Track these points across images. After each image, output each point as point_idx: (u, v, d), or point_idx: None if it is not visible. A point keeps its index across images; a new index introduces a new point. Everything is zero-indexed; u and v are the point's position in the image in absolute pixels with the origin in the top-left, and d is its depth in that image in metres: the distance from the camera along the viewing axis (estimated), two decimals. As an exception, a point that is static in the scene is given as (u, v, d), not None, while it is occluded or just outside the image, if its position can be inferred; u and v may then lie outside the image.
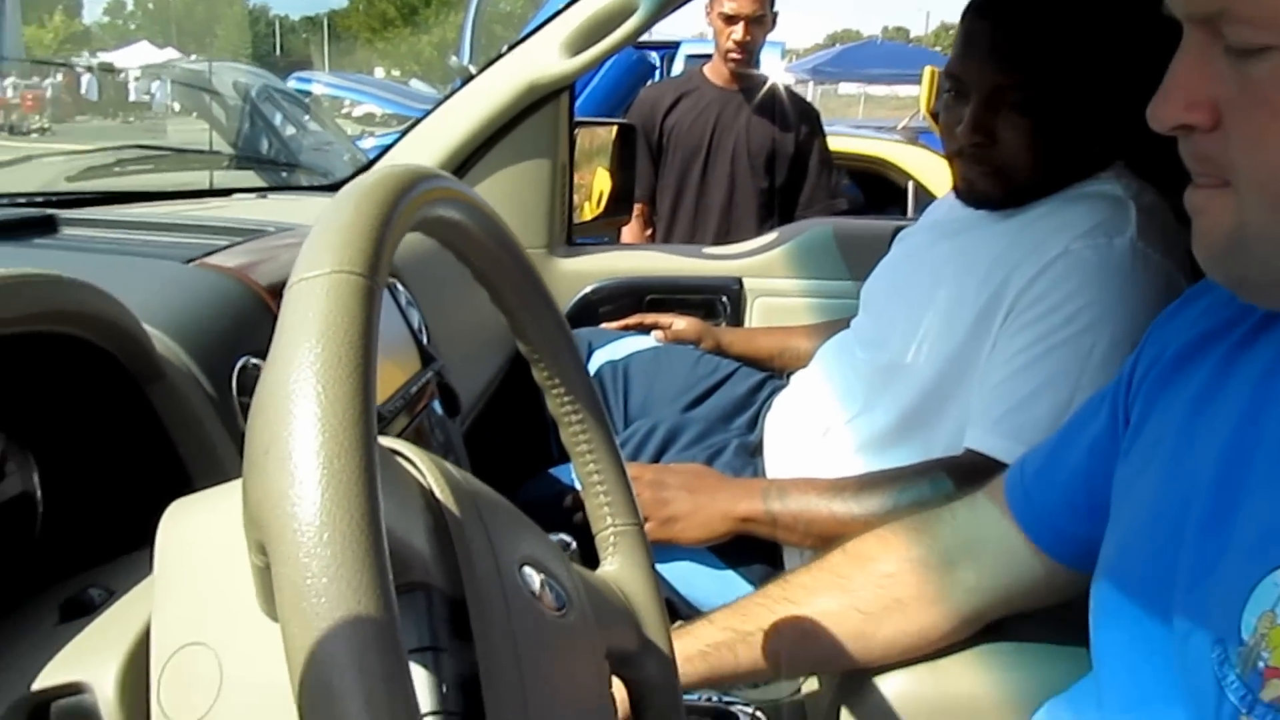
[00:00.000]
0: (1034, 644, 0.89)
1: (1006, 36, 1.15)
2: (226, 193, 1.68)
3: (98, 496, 0.70)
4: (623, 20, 1.68)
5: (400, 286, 1.15)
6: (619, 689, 0.68)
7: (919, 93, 4.88)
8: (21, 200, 1.31)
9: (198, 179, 1.69)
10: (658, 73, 6.41)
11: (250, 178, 1.83)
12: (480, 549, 0.47)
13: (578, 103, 4.93)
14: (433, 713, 0.41)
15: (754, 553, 1.26)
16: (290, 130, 4.25)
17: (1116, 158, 1.22)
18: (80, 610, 0.51)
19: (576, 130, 1.99)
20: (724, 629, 0.88)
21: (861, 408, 1.30)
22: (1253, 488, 0.58)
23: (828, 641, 0.86)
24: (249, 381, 0.78)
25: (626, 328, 1.80)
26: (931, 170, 3.70)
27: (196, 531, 0.47)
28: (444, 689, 0.41)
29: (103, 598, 0.52)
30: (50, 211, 1.12)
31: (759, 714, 1.05)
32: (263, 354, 0.44)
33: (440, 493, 0.47)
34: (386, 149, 1.89)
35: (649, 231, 2.93)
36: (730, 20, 2.70)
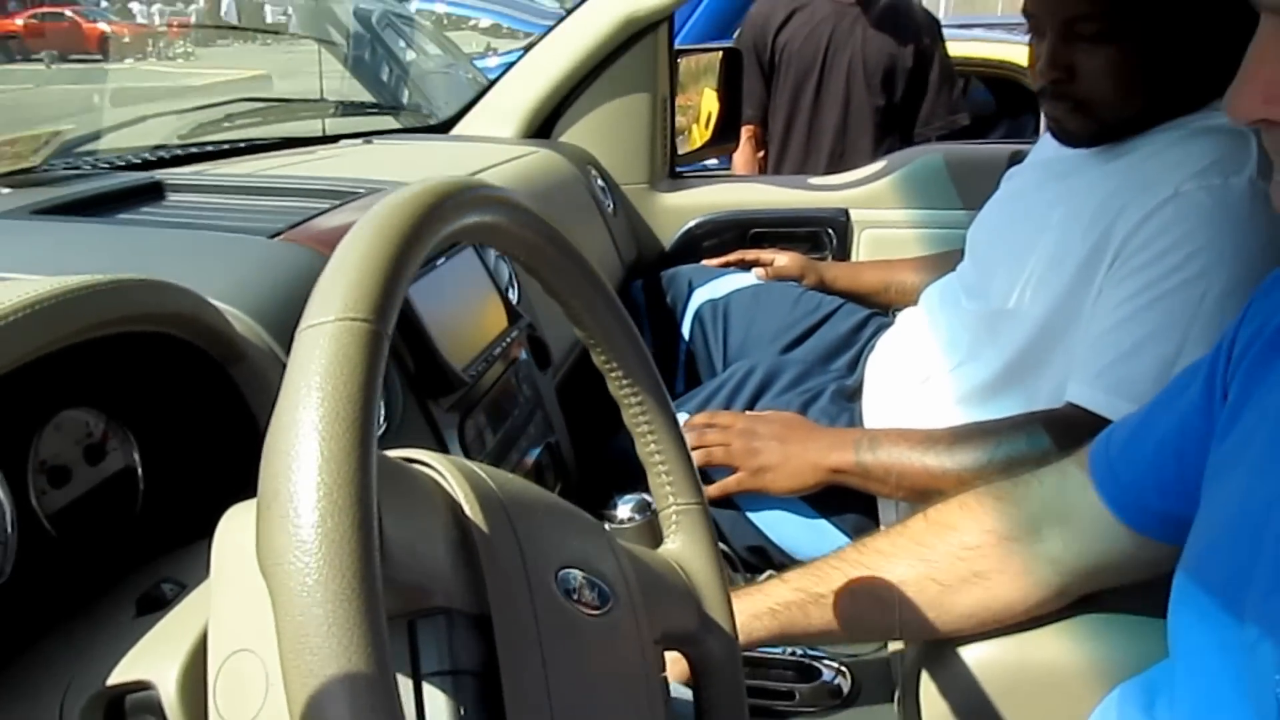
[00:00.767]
0: (1123, 615, 0.87)
1: None
2: (334, 139, 1.72)
3: (192, 472, 0.75)
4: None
5: (489, 242, 1.16)
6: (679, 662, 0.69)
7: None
8: (138, 160, 1.37)
9: (307, 127, 1.74)
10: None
11: (357, 123, 1.87)
12: (508, 565, 0.48)
13: (697, 10, 4.84)
14: None
15: (849, 502, 1.25)
16: (411, 55, 4.31)
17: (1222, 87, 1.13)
18: (154, 605, 0.55)
19: (679, 59, 1.95)
20: (796, 589, 0.89)
21: (965, 357, 1.26)
22: None
23: (901, 610, 0.86)
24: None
25: (727, 264, 1.78)
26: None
27: (249, 538, 0.50)
28: (462, 712, 0.43)
29: (174, 593, 0.56)
30: (158, 177, 1.17)
31: (844, 668, 1.06)
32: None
33: (468, 507, 0.48)
34: (509, 66, 1.90)
35: (761, 154, 2.87)
36: (844, -70, 2.58)
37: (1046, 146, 1.29)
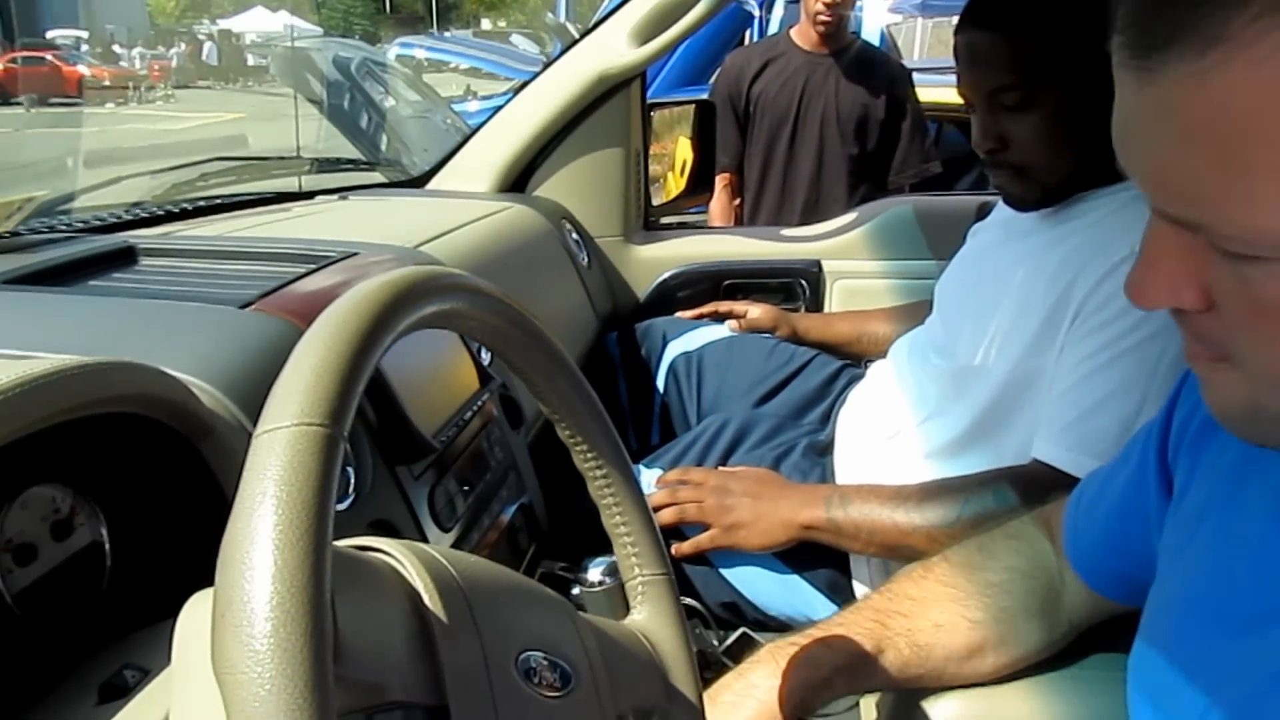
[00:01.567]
0: (1087, 674, 0.87)
1: (988, 42, 1.15)
2: (310, 195, 1.73)
3: (159, 547, 0.75)
4: (691, 6, 1.66)
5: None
6: None
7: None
8: (114, 219, 1.38)
9: (283, 184, 1.75)
10: (756, 21, 6.30)
11: (333, 179, 1.89)
12: (467, 654, 0.48)
13: (674, 55, 4.89)
14: None
15: (821, 558, 1.26)
16: (389, 102, 4.35)
17: None
18: (116, 693, 0.55)
19: (653, 111, 1.98)
20: (845, 652, 0.86)
21: (932, 412, 1.28)
22: None
23: (942, 655, 0.85)
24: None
25: (701, 316, 1.80)
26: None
27: (210, 630, 0.50)
28: (419, 807, 0.43)
29: (136, 679, 0.56)
30: (131, 241, 1.18)
31: (816, 729, 1.06)
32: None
33: (427, 596, 0.49)
34: (495, 111, 1.92)
35: (736, 201, 2.90)
36: (818, -17, 2.63)
37: (1007, 206, 1.32)
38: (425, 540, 0.95)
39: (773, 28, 5.87)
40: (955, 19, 1.21)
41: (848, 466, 1.36)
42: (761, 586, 1.28)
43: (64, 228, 1.30)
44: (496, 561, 0.60)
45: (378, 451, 0.93)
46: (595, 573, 1.03)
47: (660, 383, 1.72)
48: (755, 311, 1.75)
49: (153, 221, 1.42)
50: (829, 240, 1.95)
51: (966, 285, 1.34)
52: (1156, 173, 0.48)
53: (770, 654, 0.86)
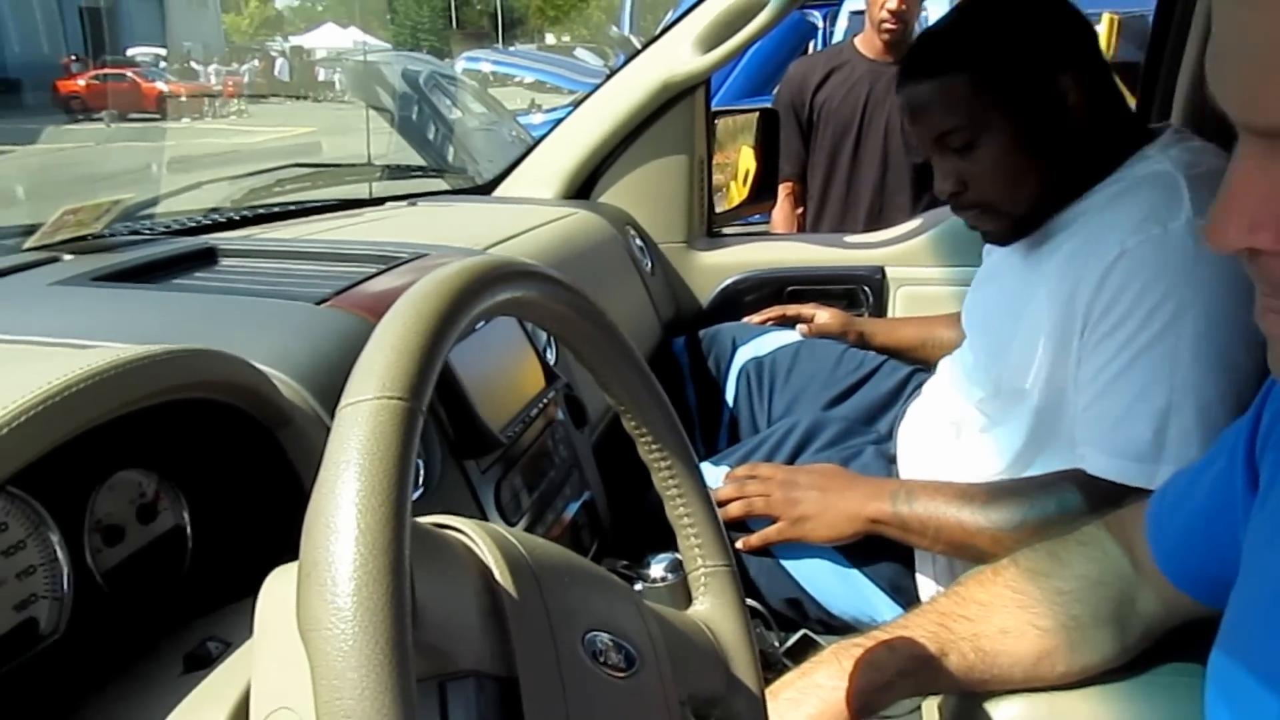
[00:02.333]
0: (1156, 680, 0.86)
1: (924, 92, 1.17)
2: (380, 201, 1.77)
3: (239, 532, 0.78)
4: (755, 13, 1.68)
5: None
6: None
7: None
8: (194, 224, 1.43)
9: (355, 190, 1.80)
10: (820, 33, 6.29)
11: (402, 185, 1.93)
12: (536, 629, 0.50)
13: (739, 65, 4.89)
14: None
15: (885, 554, 1.26)
16: (456, 114, 4.43)
17: (1148, 129, 1.17)
18: (200, 663, 0.57)
19: (716, 119, 1.99)
20: (908, 655, 0.86)
21: (986, 435, 1.28)
22: None
23: (1009, 661, 0.85)
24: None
25: (767, 321, 1.80)
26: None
27: (291, 600, 0.52)
28: (489, 771, 0.44)
29: (219, 650, 0.58)
30: (211, 242, 1.22)
31: (877, 730, 1.06)
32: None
33: (498, 572, 0.50)
34: (556, 124, 1.96)
35: (800, 210, 2.90)
36: (883, -11, 2.62)
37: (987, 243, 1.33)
38: (492, 533, 0.97)
39: (836, 38, 5.86)
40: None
41: (912, 468, 1.36)
42: (825, 583, 1.28)
43: (147, 231, 1.36)
44: (560, 556, 0.61)
45: (446, 446, 0.95)
46: (658, 569, 1.04)
47: (731, 387, 1.72)
48: (823, 316, 1.75)
49: (231, 226, 1.47)
50: (892, 247, 1.94)
51: (988, 311, 1.35)
52: (1249, 87, 0.46)
53: (834, 654, 0.87)
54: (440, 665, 0.46)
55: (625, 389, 0.67)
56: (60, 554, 0.65)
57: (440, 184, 2.16)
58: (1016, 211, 1.19)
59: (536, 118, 7.21)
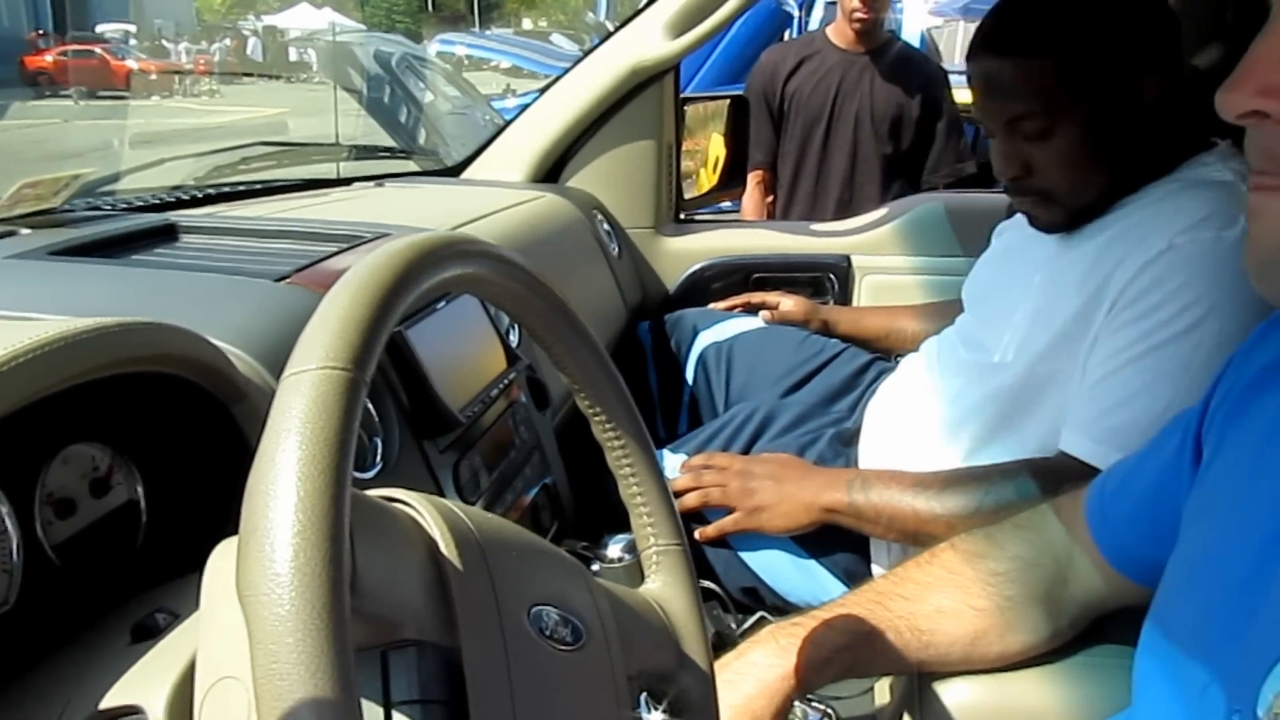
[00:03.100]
0: (1099, 659, 0.88)
1: (1004, 70, 1.13)
2: (347, 181, 1.76)
3: (192, 506, 0.78)
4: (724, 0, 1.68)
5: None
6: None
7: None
8: (156, 201, 1.42)
9: (322, 170, 1.79)
10: (795, 22, 6.30)
11: (370, 166, 1.92)
12: (480, 600, 0.50)
13: (713, 54, 4.89)
14: None
15: (841, 544, 1.27)
16: (428, 97, 4.40)
17: (1212, 138, 1.16)
18: (147, 634, 0.57)
19: (686, 106, 1.99)
20: (845, 632, 0.87)
21: (957, 403, 1.28)
22: None
23: (945, 640, 0.86)
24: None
25: (733, 308, 1.81)
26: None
27: (238, 571, 0.53)
28: (430, 739, 0.45)
29: (167, 622, 0.58)
30: (173, 219, 1.21)
31: (828, 711, 1.07)
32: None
33: (444, 544, 0.51)
34: (525, 108, 1.96)
35: (770, 199, 2.91)
36: (855, -21, 2.63)
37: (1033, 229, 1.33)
38: (449, 512, 0.97)
39: (812, 27, 5.87)
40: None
41: (873, 455, 1.37)
42: (781, 571, 1.29)
43: (108, 207, 1.34)
44: (518, 536, 0.62)
45: (405, 425, 0.95)
46: (615, 549, 1.05)
47: (690, 372, 1.73)
48: (787, 303, 1.76)
49: (194, 203, 1.46)
50: (859, 235, 1.96)
51: (991, 285, 1.35)
52: None
53: (771, 634, 0.88)
54: (383, 635, 0.46)
55: (579, 368, 0.67)
56: (10, 526, 0.65)
57: (409, 165, 2.14)
58: (1075, 204, 1.17)
59: (511, 102, 7.16)
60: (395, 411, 0.94)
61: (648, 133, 1.88)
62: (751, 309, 1.80)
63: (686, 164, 2.14)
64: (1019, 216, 1.38)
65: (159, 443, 0.77)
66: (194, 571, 0.65)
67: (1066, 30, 1.11)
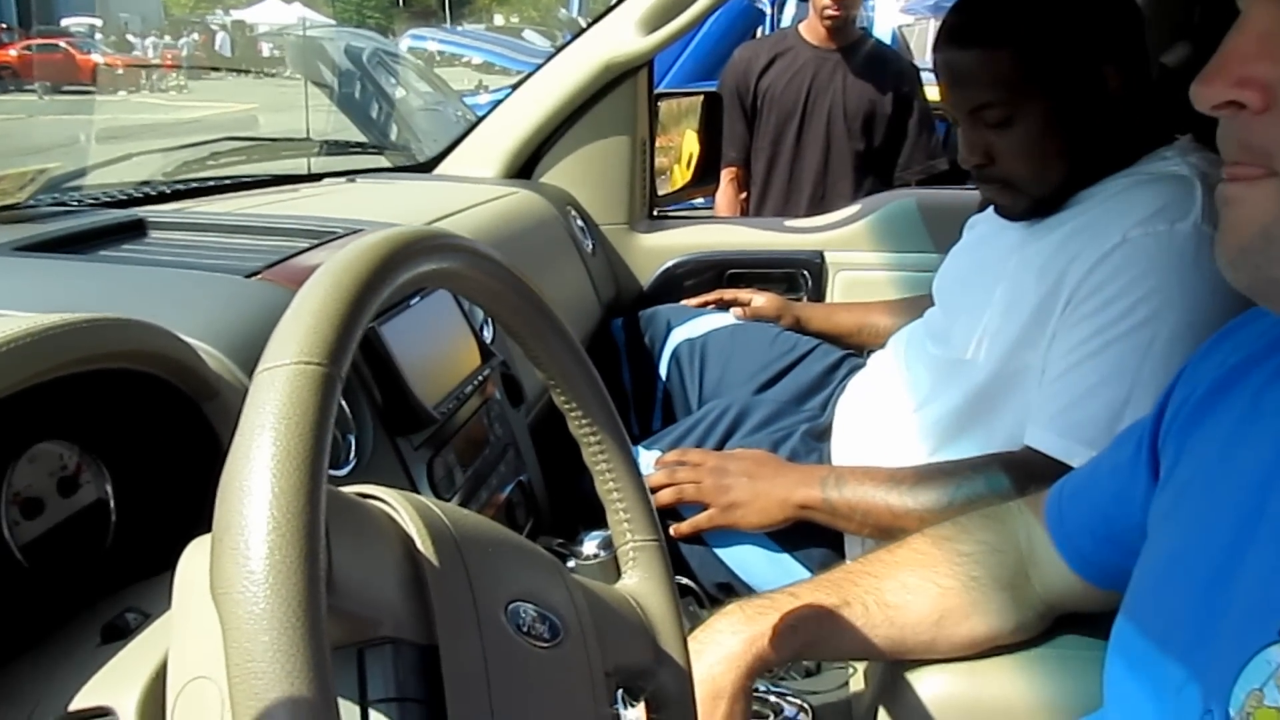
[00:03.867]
0: (1072, 653, 0.89)
1: (968, 60, 1.16)
2: (318, 177, 1.75)
3: (163, 505, 0.77)
4: (698, -4, 1.68)
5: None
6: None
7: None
8: (123, 197, 1.40)
9: (292, 165, 1.77)
10: (767, 19, 6.31)
11: (342, 161, 1.91)
12: (457, 597, 0.50)
13: (686, 51, 4.89)
14: None
15: (815, 540, 1.28)
16: (400, 92, 4.37)
17: (1175, 133, 1.18)
18: (117, 634, 0.57)
19: (660, 102, 1.99)
20: (812, 604, 0.88)
21: (927, 399, 1.29)
22: (1260, 544, 0.56)
23: (912, 618, 0.87)
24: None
25: (705, 304, 1.81)
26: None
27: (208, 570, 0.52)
28: (407, 737, 0.45)
29: (137, 622, 0.58)
30: (141, 215, 1.19)
31: (807, 705, 1.08)
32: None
33: (420, 541, 0.50)
34: (498, 104, 1.95)
35: (743, 195, 2.91)
36: (826, -23, 2.64)
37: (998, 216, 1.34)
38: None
39: (784, 24, 5.88)
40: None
41: (845, 451, 1.38)
42: (756, 567, 1.29)
43: (75, 202, 1.32)
44: (493, 533, 0.61)
45: (379, 421, 0.94)
46: (590, 545, 1.05)
47: (664, 369, 1.73)
48: (759, 300, 1.77)
49: (162, 199, 1.44)
50: (832, 231, 1.97)
51: (961, 277, 1.36)
52: None
53: (738, 606, 0.88)
54: (359, 632, 0.46)
55: (554, 363, 0.67)
56: (-25, 526, 0.64)
57: (380, 161, 2.13)
58: (1038, 192, 1.19)
59: (483, 98, 7.14)
60: (369, 408, 0.93)
61: (621, 129, 1.88)
62: (724, 305, 1.81)
63: (660, 160, 2.14)
64: (990, 210, 1.39)
65: (129, 441, 0.76)
66: (165, 571, 0.65)
67: (1027, 21, 1.13)
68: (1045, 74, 1.13)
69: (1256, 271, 0.54)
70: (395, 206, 1.53)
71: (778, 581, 1.29)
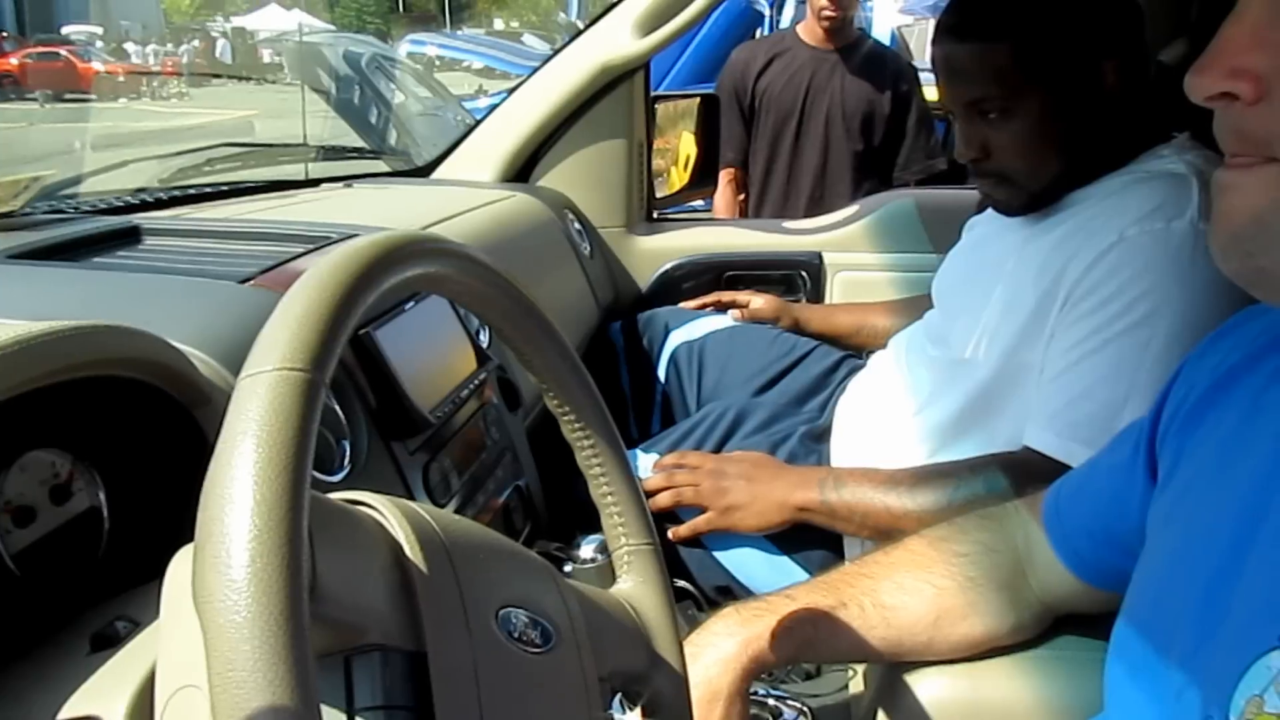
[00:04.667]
0: (1072, 654, 0.88)
1: (965, 53, 1.16)
2: (316, 183, 1.75)
3: (156, 513, 0.76)
4: (693, -2, 1.67)
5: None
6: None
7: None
8: (119, 204, 1.40)
9: (290, 171, 1.77)
10: (766, 20, 6.30)
11: (339, 167, 1.91)
12: (446, 603, 0.49)
13: (685, 53, 4.90)
14: None
15: (814, 542, 1.27)
16: (399, 97, 4.37)
17: (1172, 130, 1.17)
18: (107, 643, 0.56)
19: (657, 104, 1.99)
20: (808, 606, 0.87)
21: (926, 399, 1.29)
22: (1261, 547, 0.56)
23: (908, 619, 0.86)
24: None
25: (704, 306, 1.81)
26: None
27: (199, 579, 0.51)
28: (395, 745, 0.44)
29: (127, 630, 0.57)
30: (136, 221, 1.19)
31: (805, 709, 1.07)
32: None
33: (409, 548, 0.50)
34: (494, 108, 1.95)
35: (741, 197, 2.91)
36: (824, -22, 2.64)
37: (994, 211, 1.34)
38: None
39: (783, 26, 5.87)
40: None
41: (844, 453, 1.37)
42: (755, 570, 1.29)
43: (70, 209, 1.32)
44: (490, 539, 0.61)
45: (373, 426, 0.94)
46: (588, 549, 1.04)
47: (662, 372, 1.73)
48: (758, 302, 1.77)
49: (159, 206, 1.44)
50: (830, 233, 1.96)
51: (961, 278, 1.36)
52: None
53: (735, 609, 0.88)
54: (346, 640, 0.45)
55: (547, 367, 0.67)
56: (-34, 535, 0.64)
57: (379, 166, 2.13)
58: (1034, 187, 1.19)
59: (482, 102, 7.14)
60: (363, 413, 0.93)
61: (618, 131, 1.87)
62: (722, 307, 1.80)
63: (658, 163, 2.14)
64: (989, 211, 1.38)
65: (122, 448, 0.76)
66: (157, 579, 0.65)
67: (1025, 14, 1.13)
68: (1043, 68, 1.12)
69: (1247, 259, 0.54)
70: (392, 211, 1.53)
71: (777, 584, 1.28)
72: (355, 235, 1.18)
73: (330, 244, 1.14)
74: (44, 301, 0.89)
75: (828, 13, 2.68)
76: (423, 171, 1.95)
